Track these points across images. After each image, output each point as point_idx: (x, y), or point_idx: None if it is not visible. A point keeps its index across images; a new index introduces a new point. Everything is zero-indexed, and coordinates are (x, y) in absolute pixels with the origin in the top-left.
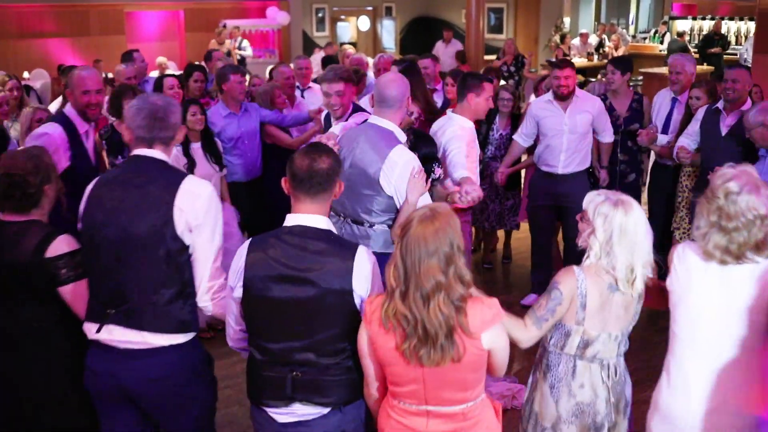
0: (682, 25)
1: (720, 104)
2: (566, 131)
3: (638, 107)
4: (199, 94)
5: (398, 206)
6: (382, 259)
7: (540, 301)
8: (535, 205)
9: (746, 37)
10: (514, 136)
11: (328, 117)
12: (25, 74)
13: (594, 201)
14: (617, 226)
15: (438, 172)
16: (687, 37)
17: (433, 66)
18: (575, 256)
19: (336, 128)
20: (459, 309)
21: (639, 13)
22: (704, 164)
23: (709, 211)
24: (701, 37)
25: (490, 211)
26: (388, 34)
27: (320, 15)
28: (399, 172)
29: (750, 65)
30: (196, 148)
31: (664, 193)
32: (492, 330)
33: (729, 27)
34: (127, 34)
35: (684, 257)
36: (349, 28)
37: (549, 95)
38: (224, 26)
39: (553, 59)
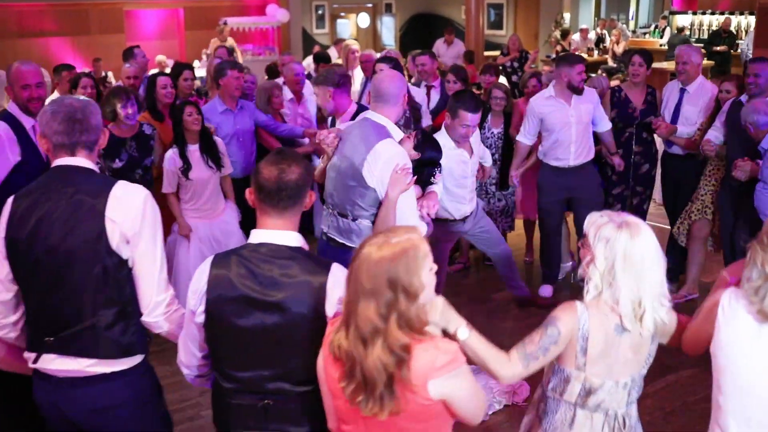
0: (683, 20)
1: (743, 98)
2: (573, 123)
3: (653, 100)
4: (189, 92)
5: (380, 199)
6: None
7: (533, 336)
8: (548, 200)
9: (746, 32)
10: (518, 137)
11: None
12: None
13: (595, 223)
14: (621, 251)
15: (438, 178)
16: (687, 32)
17: (431, 63)
18: None
19: (342, 126)
20: (400, 359)
21: (639, 8)
22: (728, 157)
23: (764, 260)
24: (709, 33)
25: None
26: (388, 31)
27: (320, 12)
28: (382, 165)
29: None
30: (194, 150)
31: (674, 181)
32: (444, 379)
33: (729, 22)
34: (126, 33)
35: (732, 314)
36: (349, 25)
37: (549, 91)
38: (225, 23)
39: (553, 55)
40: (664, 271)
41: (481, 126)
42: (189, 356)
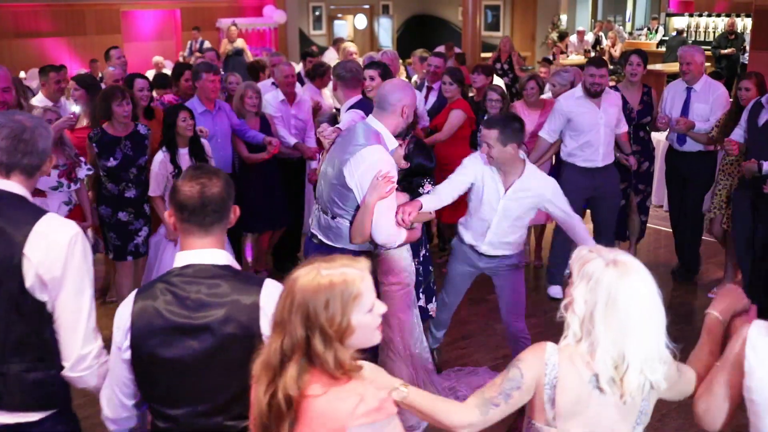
0: (679, 21)
1: (764, 98)
2: (603, 125)
3: (648, 100)
4: (190, 93)
5: (358, 202)
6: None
7: (495, 379)
8: (572, 200)
9: (743, 34)
10: (540, 133)
11: (334, 117)
12: (21, 74)
13: (581, 258)
14: (604, 292)
15: (428, 188)
16: (684, 34)
17: (443, 65)
18: (611, 233)
19: (343, 124)
20: (279, 413)
21: (636, 10)
22: (746, 157)
23: None
24: (706, 34)
25: None
26: (385, 32)
27: (317, 13)
28: (364, 169)
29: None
30: (183, 153)
31: (682, 179)
32: (363, 428)
33: (726, 24)
34: (123, 33)
35: (765, 354)
36: (346, 27)
37: (578, 91)
38: (234, 24)
39: (550, 57)
40: (662, 324)
41: (478, 129)
42: (116, 407)
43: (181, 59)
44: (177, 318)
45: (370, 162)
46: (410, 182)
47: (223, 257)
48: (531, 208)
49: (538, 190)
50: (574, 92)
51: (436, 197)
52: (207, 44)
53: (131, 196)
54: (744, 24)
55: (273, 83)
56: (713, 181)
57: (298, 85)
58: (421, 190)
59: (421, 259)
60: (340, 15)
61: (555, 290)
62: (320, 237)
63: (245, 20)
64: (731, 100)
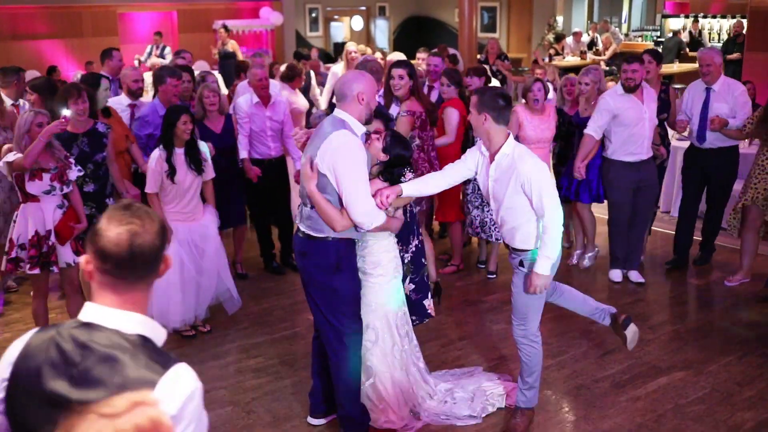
0: (675, 23)
1: None
2: (647, 119)
3: (665, 97)
4: (188, 94)
5: (334, 186)
6: (319, 243)
7: None
8: (621, 194)
9: None
10: (586, 131)
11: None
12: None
13: None
14: None
15: (409, 176)
16: (680, 35)
17: (442, 65)
18: (642, 229)
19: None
20: None
21: (632, 11)
22: None
23: None
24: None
25: (473, 216)
26: (382, 33)
27: (314, 15)
28: (334, 150)
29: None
30: (179, 153)
31: (703, 175)
32: None
33: (721, 25)
34: (120, 36)
35: None
36: (343, 28)
37: (618, 89)
38: (224, 27)
39: (546, 58)
40: None
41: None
42: None
43: (136, 63)
44: (54, 386)
45: (337, 143)
46: (391, 173)
47: (138, 324)
48: (515, 190)
49: (515, 166)
50: (616, 89)
51: (419, 183)
52: (168, 50)
53: (90, 191)
54: (731, 25)
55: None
56: (735, 176)
57: (275, 85)
58: (402, 179)
59: (415, 249)
60: (336, 17)
61: (615, 274)
62: (303, 229)
63: (242, 22)
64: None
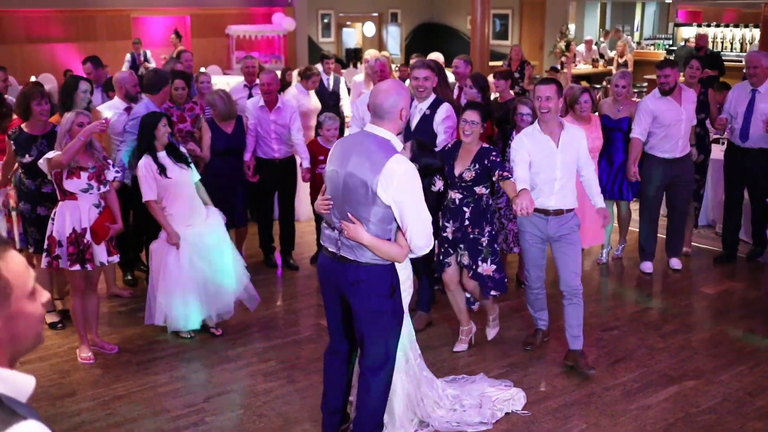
0: (687, 32)
1: None
2: (683, 120)
3: (704, 99)
4: (183, 101)
5: (396, 217)
6: (372, 270)
7: None
8: (655, 187)
9: (751, 44)
10: (632, 135)
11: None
12: (32, 78)
13: None
14: None
15: (439, 184)
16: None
17: (464, 67)
18: (680, 221)
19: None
20: None
21: (644, 19)
22: None
23: None
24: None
25: (508, 230)
26: (394, 40)
27: (326, 21)
28: (398, 181)
29: None
30: (162, 156)
31: (743, 173)
32: None
33: (734, 34)
34: (133, 39)
35: None
36: (355, 35)
37: (656, 92)
38: (175, 33)
39: (558, 66)
40: None
41: (506, 144)
42: None
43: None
44: None
45: (401, 173)
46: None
47: None
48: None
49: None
50: (654, 93)
51: (525, 179)
52: (149, 53)
53: (48, 191)
54: (743, 34)
55: (245, 85)
56: None
57: (291, 92)
58: (432, 188)
59: (488, 236)
60: (348, 23)
61: (647, 266)
62: (351, 257)
63: (254, 27)
64: None
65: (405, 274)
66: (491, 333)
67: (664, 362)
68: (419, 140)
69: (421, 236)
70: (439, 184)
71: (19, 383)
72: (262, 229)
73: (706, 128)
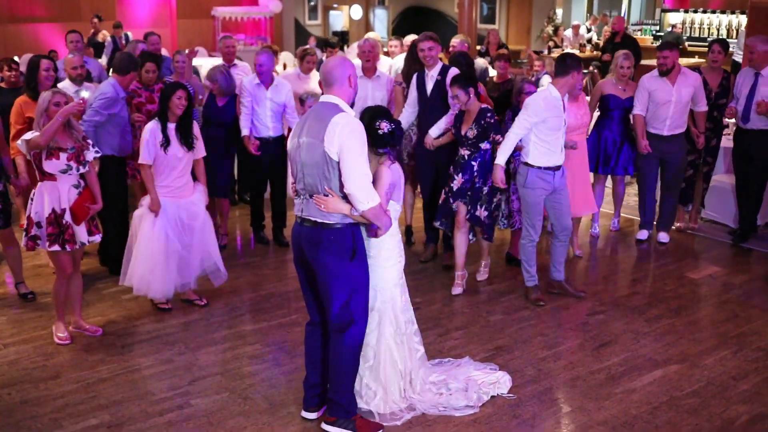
0: (674, 17)
1: None
2: (673, 101)
3: (727, 84)
4: (152, 83)
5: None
6: (333, 231)
7: None
8: (645, 159)
9: (737, 31)
10: (634, 111)
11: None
12: (15, 59)
13: None
14: None
15: (384, 126)
16: (680, 30)
17: (460, 46)
18: (668, 197)
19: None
20: None
21: (631, 5)
22: None
23: None
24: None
25: (514, 208)
26: (381, 23)
27: (312, 3)
28: (340, 131)
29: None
30: (171, 127)
31: (746, 155)
32: None
33: (720, 20)
34: (118, 20)
35: None
36: (342, 17)
37: (655, 72)
38: (96, 16)
39: (545, 51)
40: None
41: (501, 122)
42: None
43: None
44: None
45: (342, 124)
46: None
47: None
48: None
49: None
50: (653, 72)
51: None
52: (131, 35)
53: None
54: (730, 21)
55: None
56: None
57: (281, 70)
58: (379, 131)
59: (488, 189)
60: (335, 5)
61: (642, 234)
62: (311, 218)
63: (240, 9)
64: None
65: (394, 243)
66: (481, 275)
67: (648, 346)
68: (370, 107)
69: (359, 190)
70: (384, 126)
71: None
72: (254, 207)
73: (723, 113)
